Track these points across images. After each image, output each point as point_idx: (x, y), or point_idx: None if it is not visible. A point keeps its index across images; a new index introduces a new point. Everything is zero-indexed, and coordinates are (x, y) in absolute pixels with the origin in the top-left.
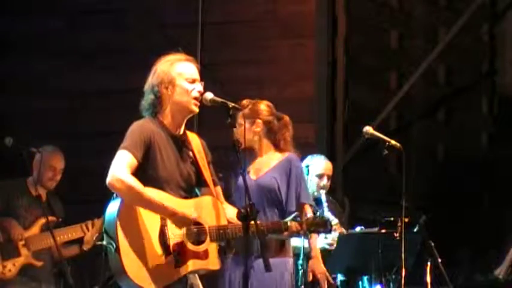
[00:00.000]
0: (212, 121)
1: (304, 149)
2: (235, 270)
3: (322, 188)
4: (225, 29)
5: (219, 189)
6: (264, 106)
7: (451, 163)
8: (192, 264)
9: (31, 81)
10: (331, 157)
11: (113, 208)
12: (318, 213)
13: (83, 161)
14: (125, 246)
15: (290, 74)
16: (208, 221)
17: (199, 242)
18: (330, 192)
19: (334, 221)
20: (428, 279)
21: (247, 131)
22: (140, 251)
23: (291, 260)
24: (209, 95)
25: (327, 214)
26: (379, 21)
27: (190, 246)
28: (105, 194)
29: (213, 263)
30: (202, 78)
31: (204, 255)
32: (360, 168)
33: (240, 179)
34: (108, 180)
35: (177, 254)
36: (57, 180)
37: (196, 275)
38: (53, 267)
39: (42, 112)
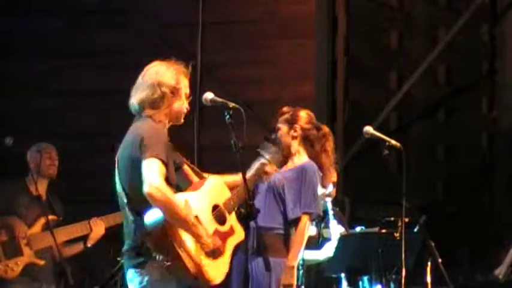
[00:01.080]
0: (212, 121)
1: None
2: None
3: (328, 195)
4: (225, 29)
5: (186, 167)
6: (303, 113)
7: (451, 163)
8: (230, 242)
9: (31, 81)
10: None
11: (155, 215)
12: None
13: (82, 161)
14: (182, 252)
15: (290, 74)
16: (218, 200)
17: (223, 222)
18: None
19: (341, 229)
20: (428, 279)
21: (285, 135)
22: (194, 252)
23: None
24: (209, 95)
25: (333, 223)
26: (379, 21)
27: (221, 228)
28: (104, 195)
29: (240, 233)
30: (202, 78)
31: (232, 230)
32: (360, 168)
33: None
34: (147, 190)
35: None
36: (56, 165)
37: None
38: (53, 267)
39: (41, 112)
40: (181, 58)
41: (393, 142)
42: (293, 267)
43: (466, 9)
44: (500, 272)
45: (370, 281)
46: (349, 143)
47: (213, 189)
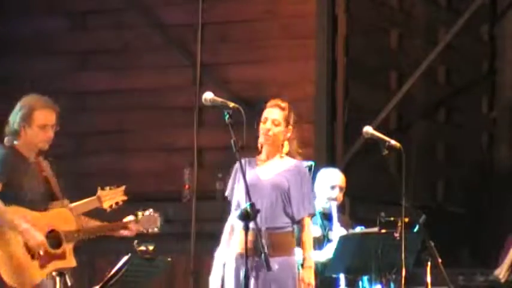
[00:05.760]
0: (212, 121)
1: (304, 149)
2: (241, 268)
3: (334, 199)
4: (225, 29)
5: (67, 201)
6: (294, 115)
7: (451, 163)
8: (53, 265)
9: (31, 81)
10: (331, 157)
11: None
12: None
13: (83, 161)
14: None
15: (290, 74)
16: (62, 227)
17: (57, 246)
18: None
19: (344, 232)
20: (428, 279)
21: (282, 133)
22: (9, 257)
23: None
24: (209, 95)
25: (337, 226)
26: (379, 21)
27: (50, 249)
28: None
29: (70, 261)
30: (202, 78)
31: (63, 256)
32: (360, 168)
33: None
34: None
35: (41, 258)
36: None
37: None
38: None
39: None
40: (182, 58)
41: (393, 142)
42: (309, 267)
43: (466, 9)
44: (500, 272)
45: (370, 281)
46: (349, 143)
47: (56, 216)
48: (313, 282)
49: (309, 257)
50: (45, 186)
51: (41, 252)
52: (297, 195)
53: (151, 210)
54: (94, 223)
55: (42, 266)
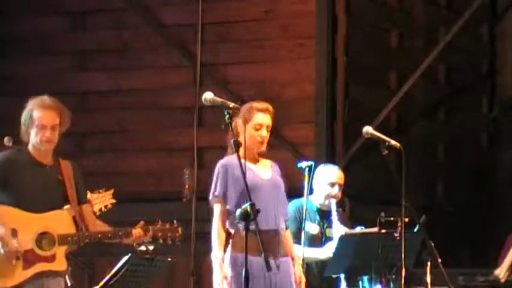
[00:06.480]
0: (212, 121)
1: (304, 149)
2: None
3: (333, 197)
4: (225, 29)
5: (86, 206)
6: None
7: (451, 163)
8: (38, 267)
9: (31, 81)
10: (331, 157)
11: None
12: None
13: (83, 161)
14: None
15: (290, 74)
16: (58, 230)
17: (47, 248)
18: None
19: (344, 230)
20: (428, 279)
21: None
22: None
23: None
24: (209, 95)
25: (336, 224)
26: (379, 21)
27: (38, 251)
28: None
29: (59, 265)
30: (202, 78)
31: (52, 258)
32: (360, 168)
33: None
34: None
35: (26, 258)
36: None
37: (61, 282)
38: None
39: None
40: (182, 58)
41: (393, 142)
42: (300, 263)
43: (466, 9)
44: (500, 272)
45: (370, 281)
46: (349, 143)
47: (52, 219)
48: (303, 278)
49: (296, 254)
50: (58, 189)
51: (13, 262)
52: (284, 196)
53: (175, 221)
54: (106, 228)
55: (25, 268)
